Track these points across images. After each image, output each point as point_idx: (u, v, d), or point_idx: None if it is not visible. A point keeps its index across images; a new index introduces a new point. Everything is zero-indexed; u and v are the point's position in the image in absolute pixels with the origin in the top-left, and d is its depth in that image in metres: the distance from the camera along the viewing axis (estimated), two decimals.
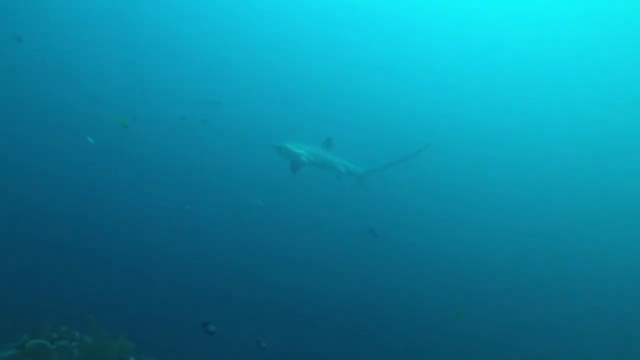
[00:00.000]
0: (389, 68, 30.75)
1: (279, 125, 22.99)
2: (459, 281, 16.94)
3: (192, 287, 12.81)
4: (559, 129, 28.79)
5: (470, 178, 24.56)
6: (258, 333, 11.45)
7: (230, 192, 18.06)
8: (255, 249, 15.66)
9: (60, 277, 11.58)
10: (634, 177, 25.65)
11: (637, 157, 26.76)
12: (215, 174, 19.55)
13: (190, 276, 13.28)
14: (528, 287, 17.77)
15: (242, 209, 16.77)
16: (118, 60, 23.18)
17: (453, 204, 22.25)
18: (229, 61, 28.21)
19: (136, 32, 26.47)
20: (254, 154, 19.07)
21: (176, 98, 22.82)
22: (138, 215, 15.78)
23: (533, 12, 30.01)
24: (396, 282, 15.89)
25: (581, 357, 14.66)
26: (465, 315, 14.22)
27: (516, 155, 26.83)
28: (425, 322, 14.28)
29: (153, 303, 11.82)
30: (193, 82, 25.31)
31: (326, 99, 28.12)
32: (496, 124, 29.16)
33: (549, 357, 14.59)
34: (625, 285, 18.68)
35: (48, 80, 21.40)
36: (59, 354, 6.52)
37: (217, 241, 15.31)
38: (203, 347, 10.36)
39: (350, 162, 12.97)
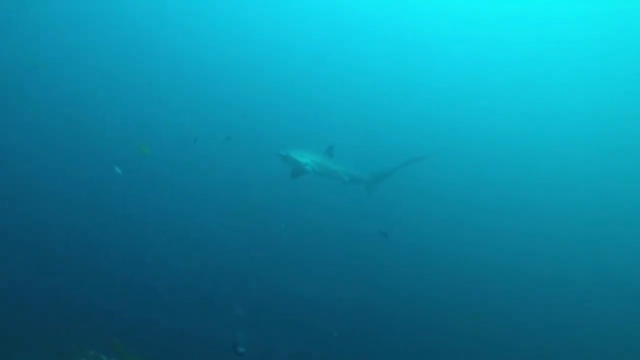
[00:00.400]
0: (388, 71, 30.77)
1: (278, 129, 23.10)
2: (459, 281, 17.02)
3: (199, 297, 12.90)
4: (559, 130, 28.85)
5: (470, 178, 24.64)
6: (259, 335, 11.65)
7: (232, 198, 18.24)
8: (252, 253, 15.72)
9: (72, 293, 11.67)
10: (633, 177, 25.73)
11: (637, 157, 26.81)
12: (216, 180, 19.67)
13: (199, 286, 13.35)
14: (528, 287, 17.85)
15: (243, 215, 16.92)
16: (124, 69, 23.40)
17: (453, 204, 22.32)
18: (230, 66, 28.35)
19: (135, 36, 26.67)
20: (253, 158, 19.22)
21: (177, 104, 23.05)
22: (142, 225, 15.88)
23: (533, 12, 30.05)
24: (395, 283, 15.95)
25: (581, 357, 14.79)
26: (468, 315, 14.35)
27: (516, 155, 26.90)
28: (425, 323, 14.36)
29: (162, 315, 11.87)
30: (193, 87, 25.45)
31: (326, 102, 28.16)
32: (496, 125, 29.23)
33: (549, 358, 14.70)
34: (626, 285, 18.79)
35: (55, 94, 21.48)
36: None
37: (219, 249, 15.41)
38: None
39: (356, 169, 13.00)
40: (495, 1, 30.30)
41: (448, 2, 30.98)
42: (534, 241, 20.90)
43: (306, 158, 11.15)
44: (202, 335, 11.66)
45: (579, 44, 29.79)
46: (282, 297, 13.81)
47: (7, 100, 19.80)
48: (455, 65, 31.20)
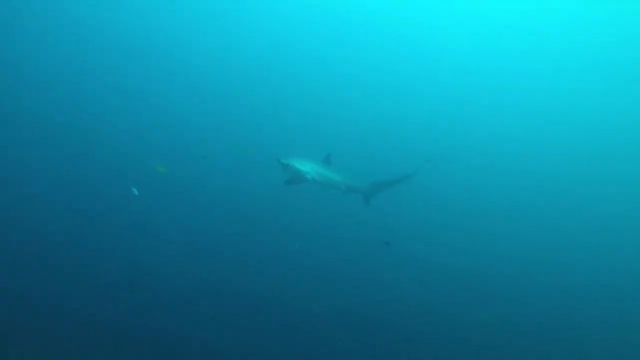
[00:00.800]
0: (386, 78, 30.86)
1: (277, 136, 23.23)
2: (462, 287, 17.07)
3: (202, 306, 12.94)
4: (559, 134, 28.92)
5: (471, 184, 24.70)
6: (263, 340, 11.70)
7: (233, 205, 18.35)
8: (251, 261, 15.78)
9: (73, 296, 11.78)
10: (631, 181, 25.79)
11: (636, 161, 26.87)
12: (215, 186, 19.79)
13: (202, 295, 13.40)
14: (530, 293, 17.87)
15: (241, 220, 17.01)
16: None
17: (455, 210, 22.38)
18: (229, 71, 28.53)
19: (136, 42, 26.90)
20: (251, 165, 19.33)
21: (178, 111, 23.19)
22: (146, 232, 15.97)
23: (532, 18, 30.16)
24: (399, 291, 15.99)
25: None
26: (472, 322, 14.35)
27: (518, 161, 26.97)
28: (427, 329, 14.38)
29: (165, 322, 11.93)
30: (186, 88, 25.65)
31: (324, 109, 28.26)
32: (497, 130, 29.30)
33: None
34: (626, 290, 18.81)
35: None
36: None
37: (219, 257, 15.49)
38: None
39: (354, 178, 12.99)
40: (495, 8, 30.43)
41: (445, 11, 31.13)
42: (535, 247, 20.96)
43: (307, 166, 11.19)
44: (205, 343, 11.72)
45: (576, 51, 29.88)
46: (286, 306, 13.84)
47: (7, 103, 20.00)
48: (454, 74, 31.32)
